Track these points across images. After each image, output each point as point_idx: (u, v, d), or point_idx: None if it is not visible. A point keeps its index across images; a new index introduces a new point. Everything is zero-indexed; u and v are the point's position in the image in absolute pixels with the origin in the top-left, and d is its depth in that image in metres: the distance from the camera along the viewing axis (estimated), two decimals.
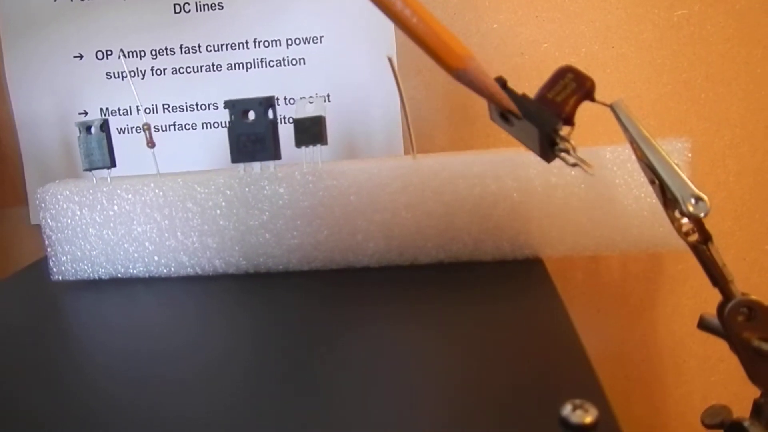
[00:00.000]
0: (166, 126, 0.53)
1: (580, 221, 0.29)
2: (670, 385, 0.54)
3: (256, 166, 0.31)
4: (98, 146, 0.32)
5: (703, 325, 0.25)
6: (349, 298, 0.29)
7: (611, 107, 0.24)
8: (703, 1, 0.48)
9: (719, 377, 0.53)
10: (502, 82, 0.24)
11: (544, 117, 0.24)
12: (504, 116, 0.25)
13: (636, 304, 0.53)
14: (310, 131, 0.31)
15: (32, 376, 0.23)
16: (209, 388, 0.21)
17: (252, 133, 0.31)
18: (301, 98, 0.46)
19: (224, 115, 0.53)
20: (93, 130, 0.32)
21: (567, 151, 0.24)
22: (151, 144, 0.32)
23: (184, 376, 0.22)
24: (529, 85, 0.51)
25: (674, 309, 0.53)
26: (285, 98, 0.52)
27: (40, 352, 0.26)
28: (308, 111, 0.32)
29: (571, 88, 0.24)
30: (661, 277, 0.53)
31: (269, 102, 0.31)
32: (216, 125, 0.53)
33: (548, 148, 0.24)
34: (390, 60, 0.29)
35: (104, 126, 0.32)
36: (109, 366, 0.24)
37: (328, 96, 0.52)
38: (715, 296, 0.54)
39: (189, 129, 0.53)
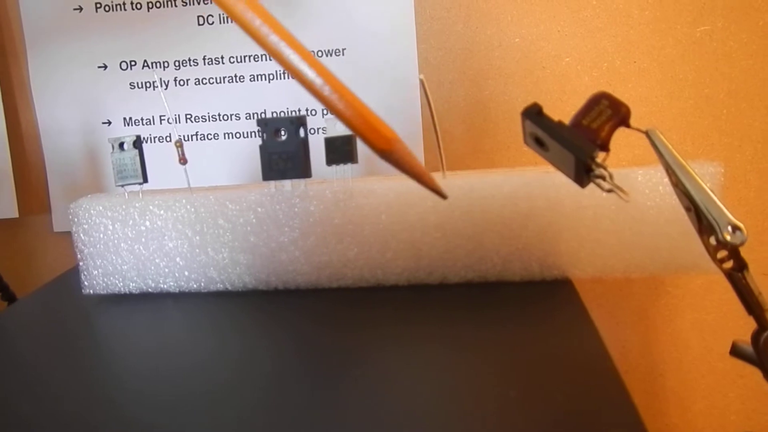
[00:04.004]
0: (188, 136, 0.54)
1: (610, 243, 0.29)
2: (687, 400, 0.54)
3: (287, 183, 0.32)
4: (131, 163, 0.32)
5: (736, 352, 0.25)
6: (379, 316, 0.29)
7: (646, 134, 0.25)
8: (726, 18, 0.48)
9: (738, 393, 0.53)
10: (537, 109, 0.25)
11: (579, 144, 0.24)
12: (539, 141, 0.25)
13: (656, 318, 0.53)
14: (341, 150, 0.31)
15: (64, 383, 0.24)
16: (231, 403, 0.21)
17: (284, 152, 0.31)
18: (331, 116, 0.46)
19: (246, 126, 0.53)
20: (126, 146, 0.32)
21: (603, 178, 0.24)
22: (183, 161, 0.33)
23: (205, 389, 0.22)
24: (551, 98, 0.52)
25: (693, 324, 0.53)
26: (307, 110, 0.52)
27: (72, 363, 0.26)
28: (339, 130, 0.32)
29: (606, 114, 0.24)
30: (681, 290, 0.53)
31: (301, 121, 0.31)
32: (238, 135, 0.54)
33: (583, 174, 0.24)
34: (422, 81, 0.30)
35: (137, 142, 0.32)
36: (139, 375, 0.24)
37: None
38: (735, 312, 0.54)
39: (211, 139, 0.54)
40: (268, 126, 0.31)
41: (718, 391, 0.53)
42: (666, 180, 0.28)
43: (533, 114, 0.25)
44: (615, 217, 0.29)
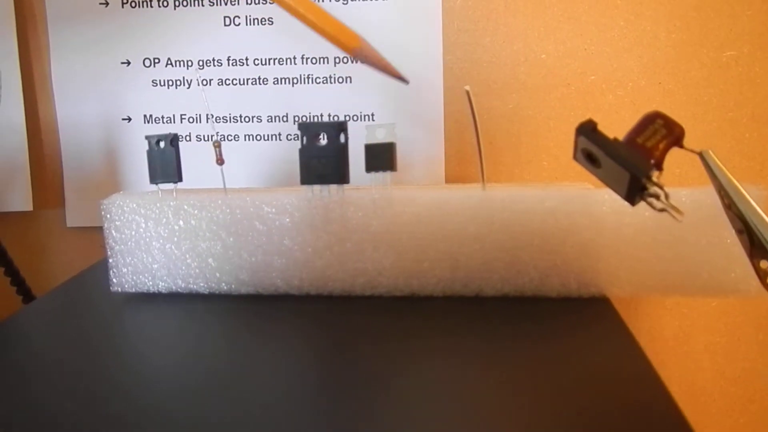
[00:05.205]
0: (207, 136, 0.53)
1: (651, 262, 0.29)
2: (698, 424, 0.53)
3: (325, 188, 0.32)
4: (168, 160, 0.32)
5: None
6: (412, 327, 0.29)
7: (700, 155, 0.25)
8: (753, 44, 0.48)
9: (749, 418, 0.53)
10: (592, 126, 0.25)
11: (636, 162, 0.24)
12: (591, 158, 0.25)
13: (668, 339, 0.53)
14: (381, 157, 0.31)
15: (95, 381, 0.23)
16: (254, 410, 0.21)
17: (323, 156, 0.31)
18: (371, 123, 0.46)
19: (268, 129, 0.53)
20: (162, 144, 0.32)
21: (656, 197, 0.24)
22: (220, 161, 0.32)
23: (231, 393, 0.22)
24: (574, 115, 0.52)
25: (707, 346, 0.53)
26: (329, 115, 0.52)
27: (96, 361, 0.26)
28: (378, 137, 0.32)
29: (661, 133, 0.24)
30: (695, 312, 0.53)
31: (342, 127, 0.31)
32: (258, 138, 0.53)
33: (636, 192, 0.24)
34: (468, 92, 0.30)
35: (174, 141, 0.32)
36: (164, 374, 0.24)
37: (372, 115, 0.53)
38: (748, 336, 0.54)
39: (231, 140, 0.53)
40: (309, 130, 0.31)
41: (729, 415, 0.53)
42: (710, 201, 0.28)
43: (588, 130, 0.25)
44: (657, 237, 0.29)
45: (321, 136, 0.31)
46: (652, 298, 0.52)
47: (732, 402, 0.53)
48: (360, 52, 0.26)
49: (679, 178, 0.50)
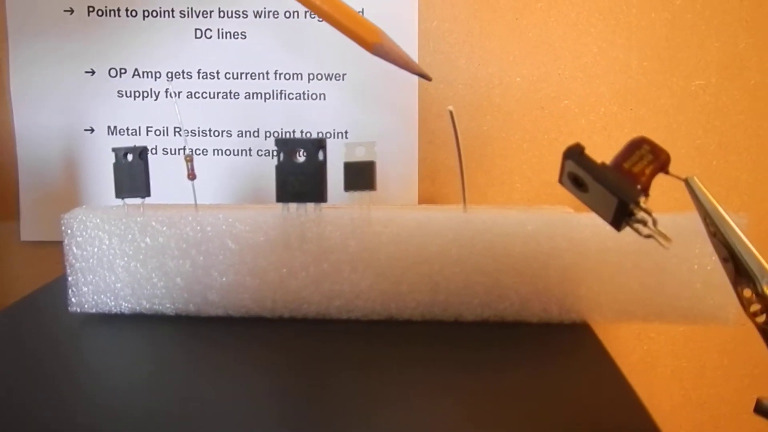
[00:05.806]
0: (175, 150, 0.52)
1: (632, 288, 0.29)
2: None
3: (301, 206, 0.30)
4: (135, 174, 0.30)
5: (761, 410, 0.25)
6: (389, 354, 0.28)
7: (685, 182, 0.25)
8: (720, 75, 0.50)
9: None
10: (580, 150, 0.24)
11: (624, 187, 0.23)
12: (578, 182, 0.25)
13: (636, 364, 0.53)
14: (361, 176, 0.30)
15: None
16: None
17: (301, 174, 0.30)
18: (350, 141, 0.45)
19: (237, 143, 0.52)
20: (130, 157, 0.31)
21: (643, 222, 0.23)
22: (192, 176, 0.31)
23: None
24: (548, 138, 0.52)
25: (673, 372, 0.53)
26: (302, 131, 0.51)
27: (49, 386, 0.24)
28: (358, 155, 0.31)
29: (647, 159, 0.24)
30: (662, 337, 0.53)
31: (321, 143, 0.30)
32: (228, 152, 0.52)
33: (623, 218, 0.24)
34: (451, 113, 0.29)
35: (143, 154, 0.31)
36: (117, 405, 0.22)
37: (346, 133, 0.52)
38: (713, 361, 0.55)
39: (199, 154, 0.52)
40: (286, 146, 0.30)
41: None
42: (692, 228, 0.28)
43: (576, 154, 0.24)
44: (638, 263, 0.29)
45: (299, 153, 0.30)
46: (626, 325, 0.52)
47: (698, 428, 0.53)
48: (380, 48, 0.25)
49: (650, 201, 0.50)
